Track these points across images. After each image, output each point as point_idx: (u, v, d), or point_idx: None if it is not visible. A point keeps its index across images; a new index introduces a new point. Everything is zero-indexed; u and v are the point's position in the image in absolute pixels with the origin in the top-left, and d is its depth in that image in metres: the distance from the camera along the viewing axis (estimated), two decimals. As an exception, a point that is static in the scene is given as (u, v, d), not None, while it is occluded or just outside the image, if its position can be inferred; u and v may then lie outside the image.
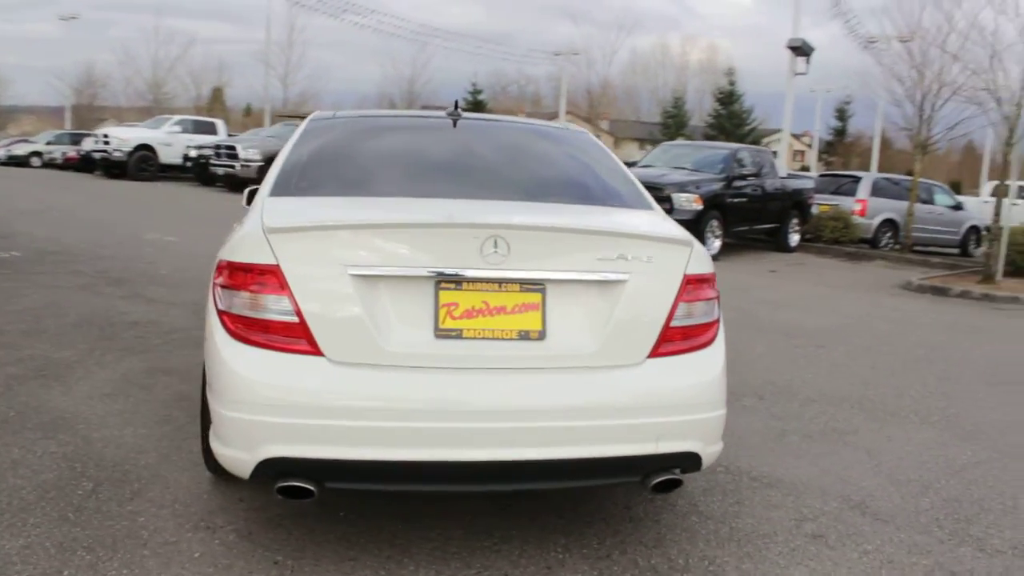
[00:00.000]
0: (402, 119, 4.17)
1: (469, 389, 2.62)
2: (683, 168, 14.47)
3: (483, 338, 2.65)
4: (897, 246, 16.77)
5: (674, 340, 2.83)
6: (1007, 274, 11.90)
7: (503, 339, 2.67)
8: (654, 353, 2.79)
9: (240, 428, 2.59)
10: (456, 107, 3.75)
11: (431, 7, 78.09)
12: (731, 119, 54.44)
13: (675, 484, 2.82)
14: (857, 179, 17.92)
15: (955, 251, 17.99)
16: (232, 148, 19.87)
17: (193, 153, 21.62)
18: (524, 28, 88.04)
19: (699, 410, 2.82)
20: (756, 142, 55.69)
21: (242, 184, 19.80)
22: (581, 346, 2.72)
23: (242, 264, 2.67)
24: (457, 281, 2.64)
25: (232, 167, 19.70)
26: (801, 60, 18.32)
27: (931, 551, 3.17)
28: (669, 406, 2.76)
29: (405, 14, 73.40)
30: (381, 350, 2.60)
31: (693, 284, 2.87)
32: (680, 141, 29.12)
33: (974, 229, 18.45)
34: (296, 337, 2.60)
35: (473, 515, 3.20)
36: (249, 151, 19.59)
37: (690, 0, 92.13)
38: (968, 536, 3.33)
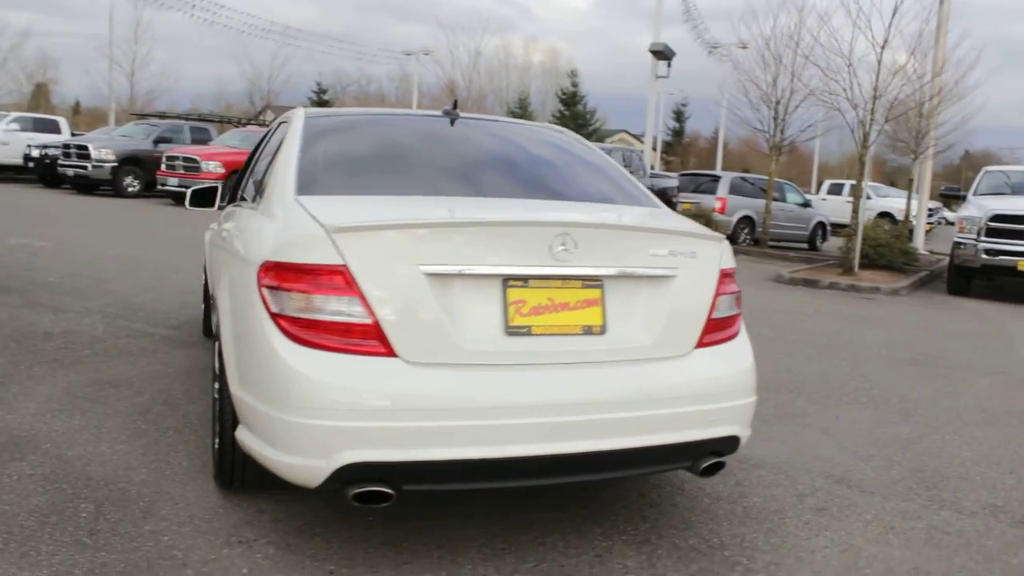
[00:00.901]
0: (403, 118, 4.11)
1: (543, 384, 2.64)
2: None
3: (550, 334, 2.69)
4: (754, 242, 17.84)
5: (714, 331, 2.97)
6: (862, 266, 12.93)
7: (569, 334, 2.71)
8: (699, 344, 2.92)
9: (313, 435, 2.50)
10: (455, 106, 3.76)
11: (268, 5, 75.70)
12: (575, 120, 56.04)
13: (720, 467, 2.95)
14: (717, 178, 18.91)
15: (804, 246, 19.31)
16: (84, 148, 18.54)
17: (36, 153, 20.03)
18: (362, 27, 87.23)
19: (740, 396, 2.96)
20: (601, 141, 57.57)
21: (93, 186, 18.82)
22: (638, 339, 2.80)
23: (302, 265, 2.57)
24: (524, 279, 2.66)
25: (84, 168, 18.39)
26: (662, 64, 19.17)
27: (920, 516, 3.46)
28: (717, 393, 2.89)
29: (252, 11, 70.67)
30: (458, 349, 2.58)
31: (726, 277, 3.02)
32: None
33: (821, 225, 19.88)
34: (369, 339, 2.54)
35: (503, 512, 3.21)
36: (102, 151, 18.34)
37: (528, 4, 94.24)
38: (943, 501, 3.65)
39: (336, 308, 2.54)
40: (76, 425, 3.88)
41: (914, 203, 17.84)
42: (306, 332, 2.55)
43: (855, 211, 12.71)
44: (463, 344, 2.59)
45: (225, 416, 3.03)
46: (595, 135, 56.15)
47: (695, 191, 18.51)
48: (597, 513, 3.27)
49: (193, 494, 3.22)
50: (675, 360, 2.86)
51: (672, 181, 18.54)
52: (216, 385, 3.36)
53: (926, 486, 3.82)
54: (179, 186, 16.30)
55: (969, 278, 11.74)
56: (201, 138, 19.92)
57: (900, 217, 19.11)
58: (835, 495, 3.62)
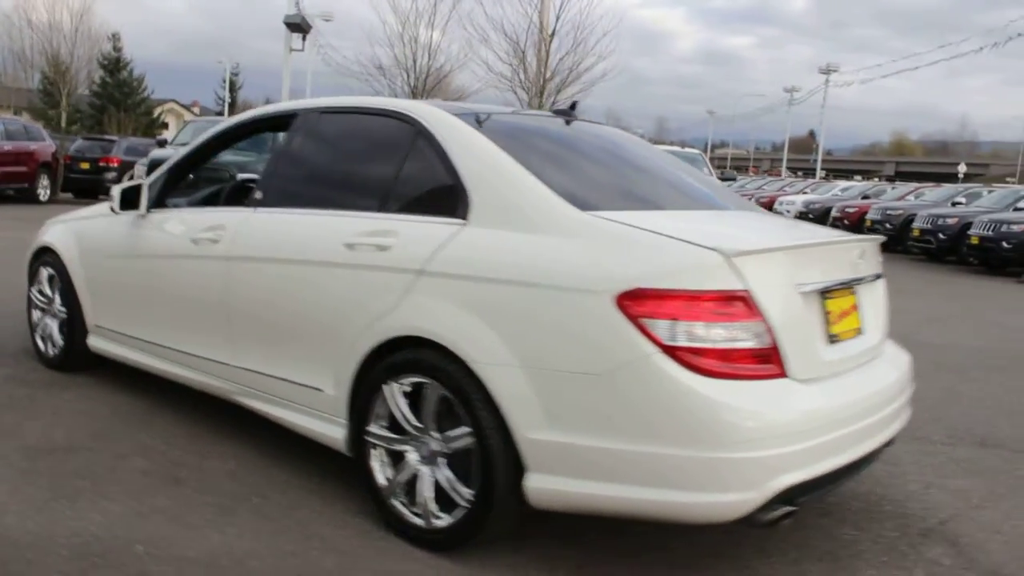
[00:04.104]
0: (540, 118, 3.64)
1: (864, 385, 2.80)
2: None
3: (847, 339, 2.85)
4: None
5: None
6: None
7: (852, 338, 2.89)
8: (886, 337, 3.25)
9: (745, 468, 2.36)
10: (573, 107, 3.56)
11: None
12: (120, 88, 51.01)
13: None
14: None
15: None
16: None
17: None
18: None
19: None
20: (149, 112, 53.23)
21: None
22: (875, 337, 3.07)
23: (701, 292, 2.40)
24: (830, 290, 2.78)
25: None
26: (297, 36, 18.42)
27: (941, 452, 4.19)
28: (910, 380, 3.22)
29: None
30: (821, 361, 2.66)
31: None
32: (208, 118, 26.69)
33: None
34: (769, 362, 2.48)
35: (661, 541, 3.05)
36: None
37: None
38: (941, 440, 4.44)
39: (739, 334, 2.43)
40: (116, 512, 2.91)
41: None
42: (710, 362, 2.39)
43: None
44: (821, 356, 2.66)
45: (495, 467, 2.59)
46: (144, 104, 51.98)
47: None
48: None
49: (425, 568, 2.69)
50: (889, 353, 3.18)
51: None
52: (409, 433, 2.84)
53: (912, 428, 4.56)
54: None
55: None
56: None
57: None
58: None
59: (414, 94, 17.51)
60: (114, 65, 53.51)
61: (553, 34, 13.30)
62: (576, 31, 14.45)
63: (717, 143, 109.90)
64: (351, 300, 2.99)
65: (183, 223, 3.81)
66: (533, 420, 2.52)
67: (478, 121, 3.08)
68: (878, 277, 3.17)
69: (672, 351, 2.37)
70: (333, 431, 3.08)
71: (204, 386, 3.72)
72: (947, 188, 21.31)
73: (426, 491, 2.77)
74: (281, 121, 3.71)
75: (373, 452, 2.92)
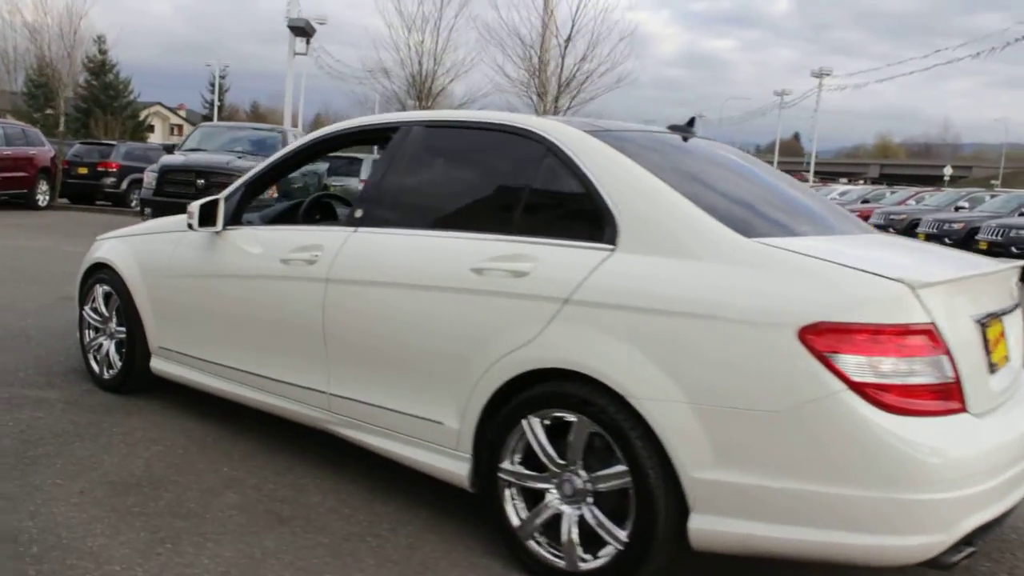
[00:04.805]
0: (662, 135, 3.41)
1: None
2: (234, 151, 13.55)
3: (1001, 368, 2.67)
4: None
5: None
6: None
7: (1004, 367, 2.72)
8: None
9: (936, 509, 2.22)
10: (691, 123, 3.36)
11: None
12: (106, 91, 50.43)
13: None
14: (357, 160, 18.69)
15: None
16: None
17: None
18: None
19: None
20: (136, 115, 52.62)
21: None
22: (1018, 364, 2.89)
23: (890, 326, 2.25)
24: (989, 320, 2.61)
25: None
26: (300, 40, 18.15)
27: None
28: None
29: None
30: (990, 393, 2.50)
31: None
32: (217, 123, 26.30)
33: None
34: (951, 398, 2.33)
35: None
36: None
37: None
38: None
39: (925, 368, 2.29)
40: (226, 557, 2.70)
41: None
42: (898, 399, 2.25)
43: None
44: (990, 387, 2.52)
45: (656, 507, 2.41)
46: (130, 107, 51.49)
47: (333, 174, 18.11)
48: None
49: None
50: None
51: (323, 165, 17.86)
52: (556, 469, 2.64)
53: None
54: None
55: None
56: None
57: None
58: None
59: (419, 97, 17.31)
60: (100, 68, 52.79)
61: (569, 39, 13.19)
62: (592, 36, 14.39)
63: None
64: (481, 328, 2.78)
65: (265, 242, 3.58)
66: (701, 459, 2.35)
67: (611, 139, 2.89)
68: (1018, 304, 3.02)
69: (860, 387, 2.21)
70: (454, 466, 2.88)
71: (290, 413, 3.49)
72: (948, 192, 21.37)
73: (571, 532, 2.58)
74: (377, 134, 3.50)
75: (507, 491, 2.73)
